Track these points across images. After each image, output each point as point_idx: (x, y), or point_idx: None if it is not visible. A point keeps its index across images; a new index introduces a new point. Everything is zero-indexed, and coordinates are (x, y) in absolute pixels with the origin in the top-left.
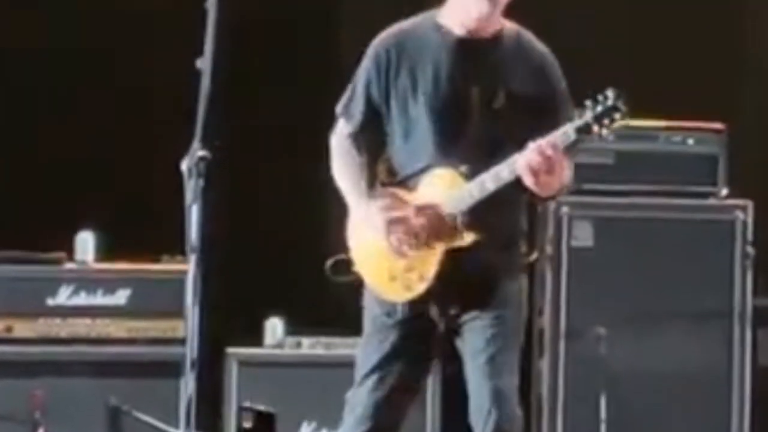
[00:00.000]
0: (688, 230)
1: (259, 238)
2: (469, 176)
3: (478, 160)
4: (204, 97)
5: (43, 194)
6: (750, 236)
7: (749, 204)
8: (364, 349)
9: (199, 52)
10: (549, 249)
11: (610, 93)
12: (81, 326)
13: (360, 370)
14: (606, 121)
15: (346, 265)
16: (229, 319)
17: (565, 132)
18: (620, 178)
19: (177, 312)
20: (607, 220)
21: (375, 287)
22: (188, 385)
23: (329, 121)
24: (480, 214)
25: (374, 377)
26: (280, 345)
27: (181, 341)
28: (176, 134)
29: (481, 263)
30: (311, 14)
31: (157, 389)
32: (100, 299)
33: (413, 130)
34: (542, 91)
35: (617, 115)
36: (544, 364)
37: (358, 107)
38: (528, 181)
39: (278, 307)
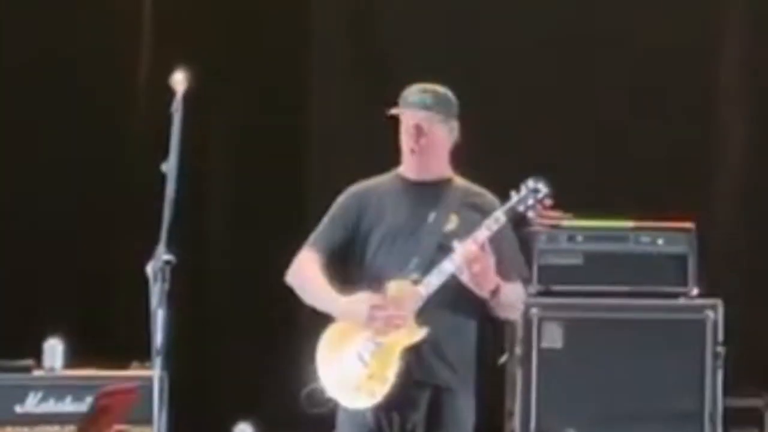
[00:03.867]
0: (658, 331)
1: (230, 342)
2: (420, 283)
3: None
4: (168, 201)
5: (10, 302)
6: (720, 336)
7: (719, 303)
8: None
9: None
10: (519, 350)
11: (530, 179)
12: None
13: None
14: (530, 202)
15: (320, 394)
16: (199, 426)
17: (496, 217)
18: (589, 279)
19: (145, 419)
20: (577, 322)
21: (343, 399)
22: None
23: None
24: (430, 311)
25: None
26: None
27: None
28: (142, 238)
29: (435, 365)
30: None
31: None
32: (68, 406)
33: (373, 257)
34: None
35: (540, 195)
36: None
37: (327, 238)
38: (464, 277)
39: (247, 413)
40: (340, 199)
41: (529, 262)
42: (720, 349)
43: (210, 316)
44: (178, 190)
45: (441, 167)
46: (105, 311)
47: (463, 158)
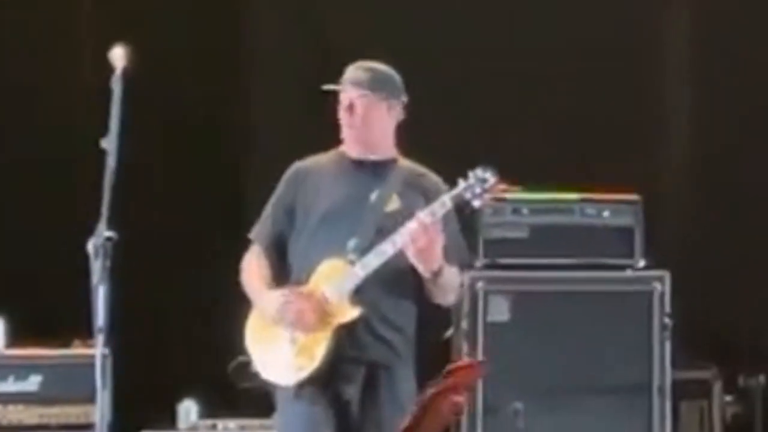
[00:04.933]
0: (605, 303)
1: (173, 320)
2: (357, 263)
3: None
4: (109, 177)
5: None
6: (668, 307)
7: (666, 275)
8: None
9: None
10: (465, 324)
11: (479, 168)
12: None
13: None
14: (477, 191)
15: (246, 367)
16: (142, 403)
17: (442, 202)
18: (535, 252)
19: (89, 397)
20: (523, 295)
21: (272, 375)
22: None
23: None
24: (367, 291)
25: None
26: (194, 428)
27: (94, 426)
28: (83, 213)
29: (369, 343)
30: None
31: None
32: (11, 386)
33: (312, 234)
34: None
35: (487, 185)
36: None
37: (267, 227)
38: (410, 252)
39: (191, 390)
40: (283, 178)
41: (474, 236)
42: (667, 320)
43: (153, 293)
44: (119, 167)
45: (383, 146)
46: (46, 289)
47: (408, 137)
